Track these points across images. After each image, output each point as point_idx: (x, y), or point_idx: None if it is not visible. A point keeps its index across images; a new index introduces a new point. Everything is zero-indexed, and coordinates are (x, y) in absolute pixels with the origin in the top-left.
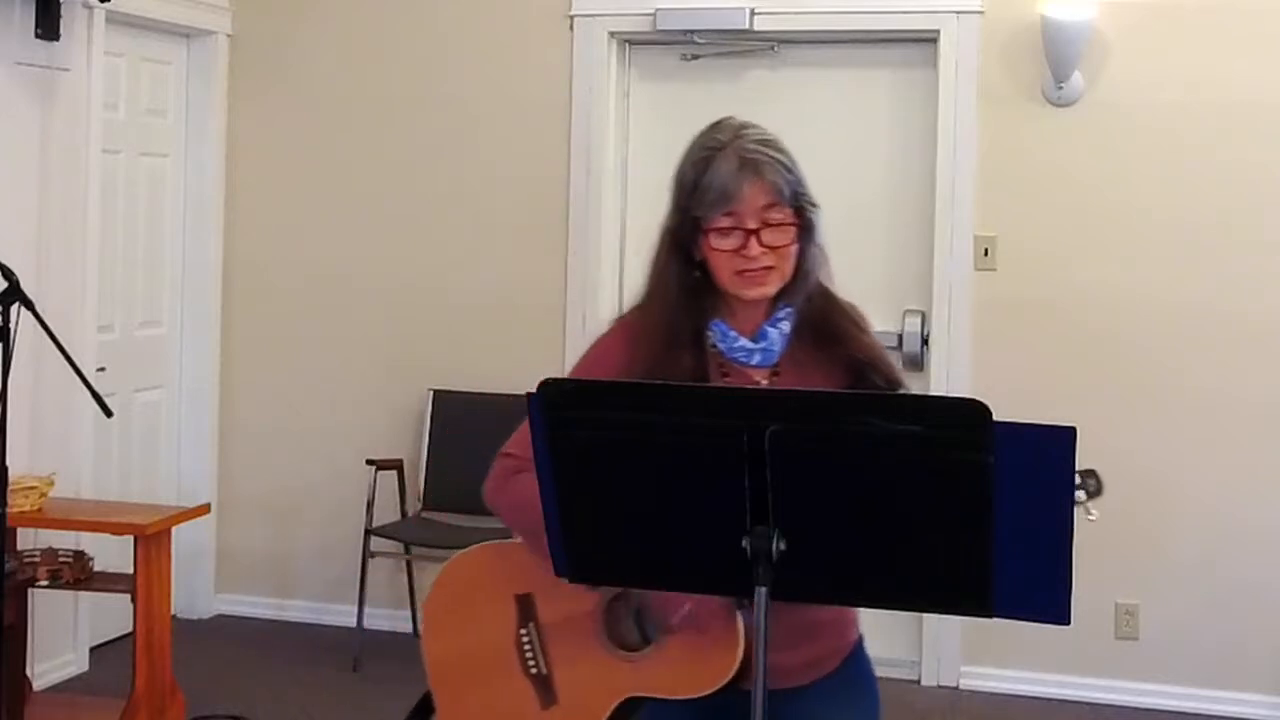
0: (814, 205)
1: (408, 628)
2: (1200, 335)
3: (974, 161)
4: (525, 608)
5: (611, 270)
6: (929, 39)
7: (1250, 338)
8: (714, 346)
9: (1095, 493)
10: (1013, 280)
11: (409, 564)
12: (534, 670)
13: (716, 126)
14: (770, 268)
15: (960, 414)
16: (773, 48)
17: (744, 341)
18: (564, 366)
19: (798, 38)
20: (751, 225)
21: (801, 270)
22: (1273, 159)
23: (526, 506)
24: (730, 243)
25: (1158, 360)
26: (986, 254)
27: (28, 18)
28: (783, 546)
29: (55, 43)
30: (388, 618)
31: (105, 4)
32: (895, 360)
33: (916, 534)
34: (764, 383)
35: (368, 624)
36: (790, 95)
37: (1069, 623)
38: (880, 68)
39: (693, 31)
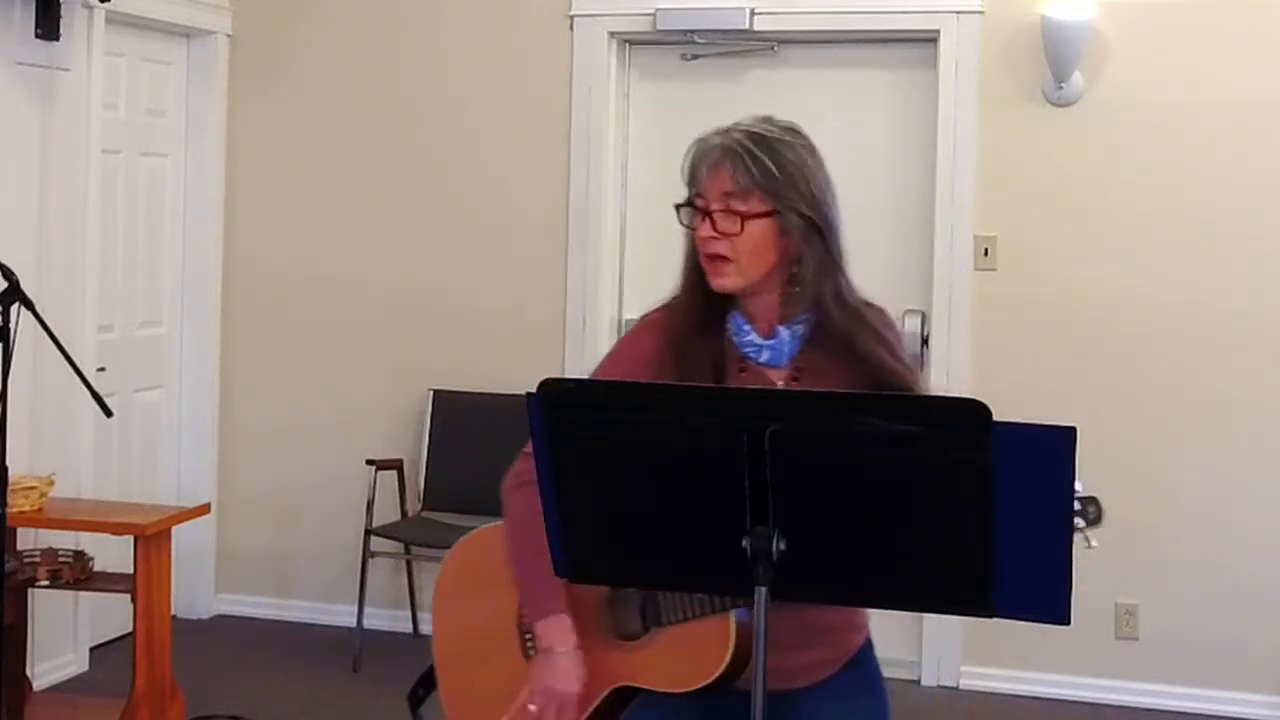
0: (799, 214)
1: (408, 628)
2: (1200, 335)
3: (974, 161)
4: None
5: (611, 270)
6: (929, 39)
7: (1250, 337)
8: (731, 339)
9: (1095, 520)
10: (1013, 280)
11: (409, 564)
12: (532, 653)
13: (745, 118)
14: (724, 258)
15: (960, 414)
16: (773, 48)
17: (754, 337)
18: (564, 366)
19: (798, 38)
20: (712, 207)
21: (799, 280)
22: (1273, 159)
23: (517, 529)
24: (692, 220)
25: (1158, 360)
26: (986, 254)
27: (28, 18)
28: (783, 546)
29: (55, 43)
30: (388, 618)
31: (105, 4)
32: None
33: (916, 534)
34: (781, 383)
35: (368, 624)
36: (790, 95)
37: (1069, 623)
38: (880, 68)
39: (693, 31)
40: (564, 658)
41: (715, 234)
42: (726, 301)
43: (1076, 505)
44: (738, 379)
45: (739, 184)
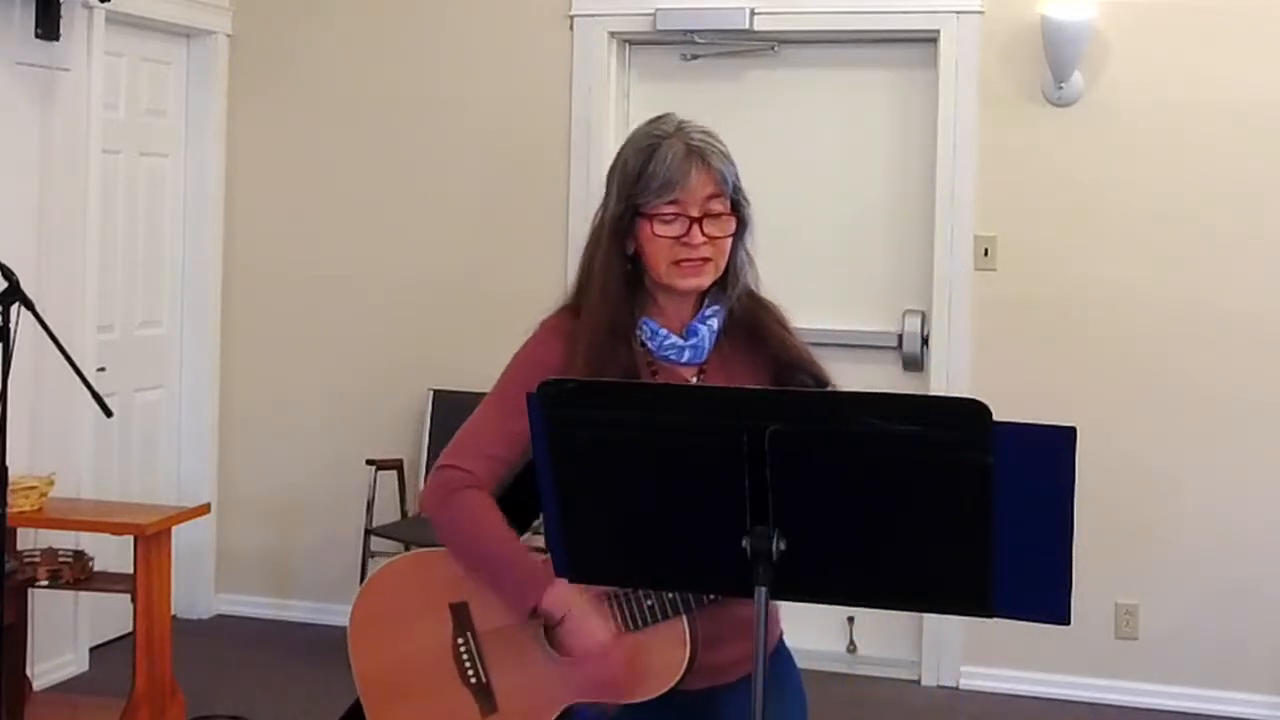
0: (747, 202)
1: None
2: (1200, 335)
3: (974, 161)
4: (461, 616)
5: None
6: (929, 39)
7: (1250, 337)
8: (643, 345)
9: None
10: (1013, 280)
11: None
12: (473, 679)
13: (657, 120)
14: (707, 259)
15: (960, 414)
16: (773, 48)
17: (674, 339)
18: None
19: (798, 38)
20: (694, 213)
21: (732, 269)
22: (1273, 158)
23: (469, 537)
24: (672, 230)
25: (1158, 360)
26: (986, 254)
27: (28, 18)
28: (783, 546)
29: (55, 43)
30: None
31: (105, 4)
32: (894, 359)
33: (916, 534)
34: (693, 380)
35: None
36: (790, 95)
37: (1069, 623)
38: (880, 68)
39: (693, 31)
40: (586, 611)
41: (705, 238)
42: (634, 307)
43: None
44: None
45: (722, 184)
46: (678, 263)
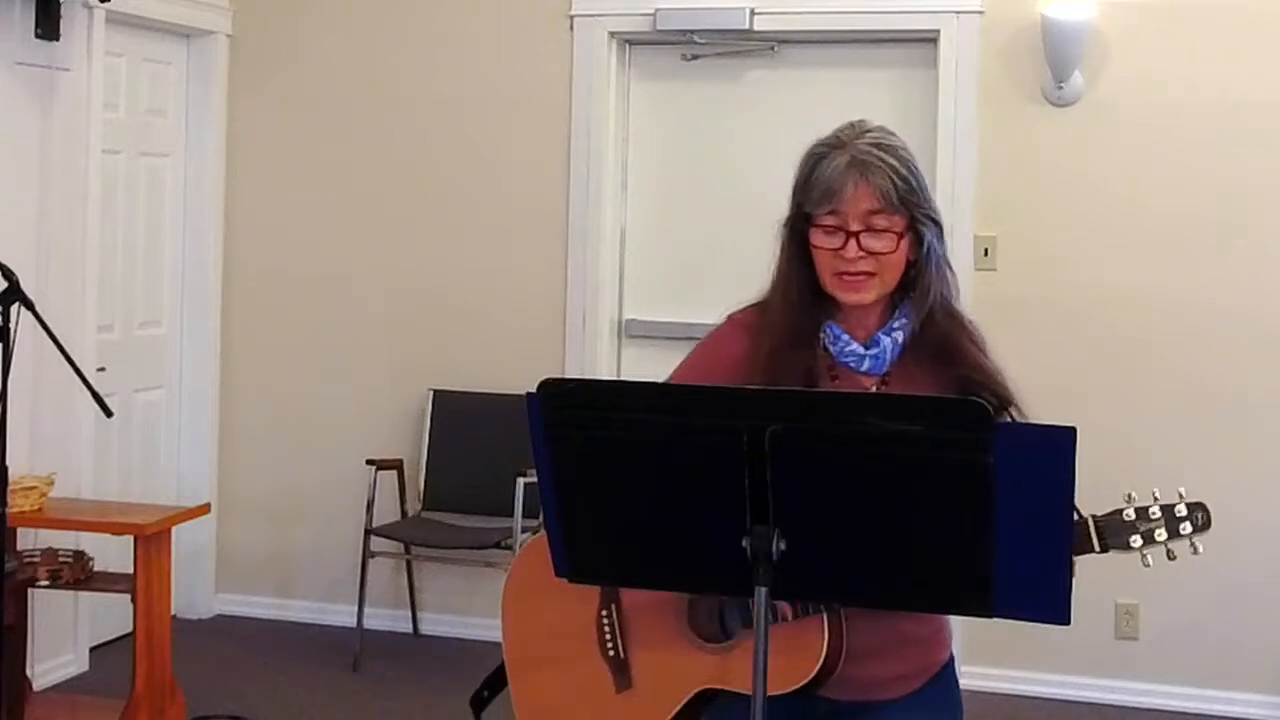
0: (930, 219)
1: (408, 628)
2: (1200, 334)
3: (974, 161)
4: (609, 589)
5: (611, 270)
6: (929, 39)
7: (1250, 336)
8: (825, 349)
9: (1203, 527)
10: (1013, 280)
11: (409, 564)
12: (611, 653)
13: (847, 125)
14: (869, 274)
15: (960, 414)
16: (773, 48)
17: (855, 346)
18: (564, 367)
19: (798, 38)
20: (854, 227)
21: (920, 284)
22: (1273, 158)
23: None
24: (832, 242)
25: (1158, 360)
26: (986, 254)
27: (28, 18)
28: (783, 546)
29: (55, 43)
30: (388, 618)
31: (105, 4)
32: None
33: (917, 534)
34: (873, 388)
35: (368, 624)
36: (790, 95)
37: (1069, 623)
38: (880, 68)
39: (693, 31)
40: None
41: (862, 253)
42: (821, 312)
43: (1184, 511)
44: (830, 386)
45: (883, 200)
46: (838, 275)
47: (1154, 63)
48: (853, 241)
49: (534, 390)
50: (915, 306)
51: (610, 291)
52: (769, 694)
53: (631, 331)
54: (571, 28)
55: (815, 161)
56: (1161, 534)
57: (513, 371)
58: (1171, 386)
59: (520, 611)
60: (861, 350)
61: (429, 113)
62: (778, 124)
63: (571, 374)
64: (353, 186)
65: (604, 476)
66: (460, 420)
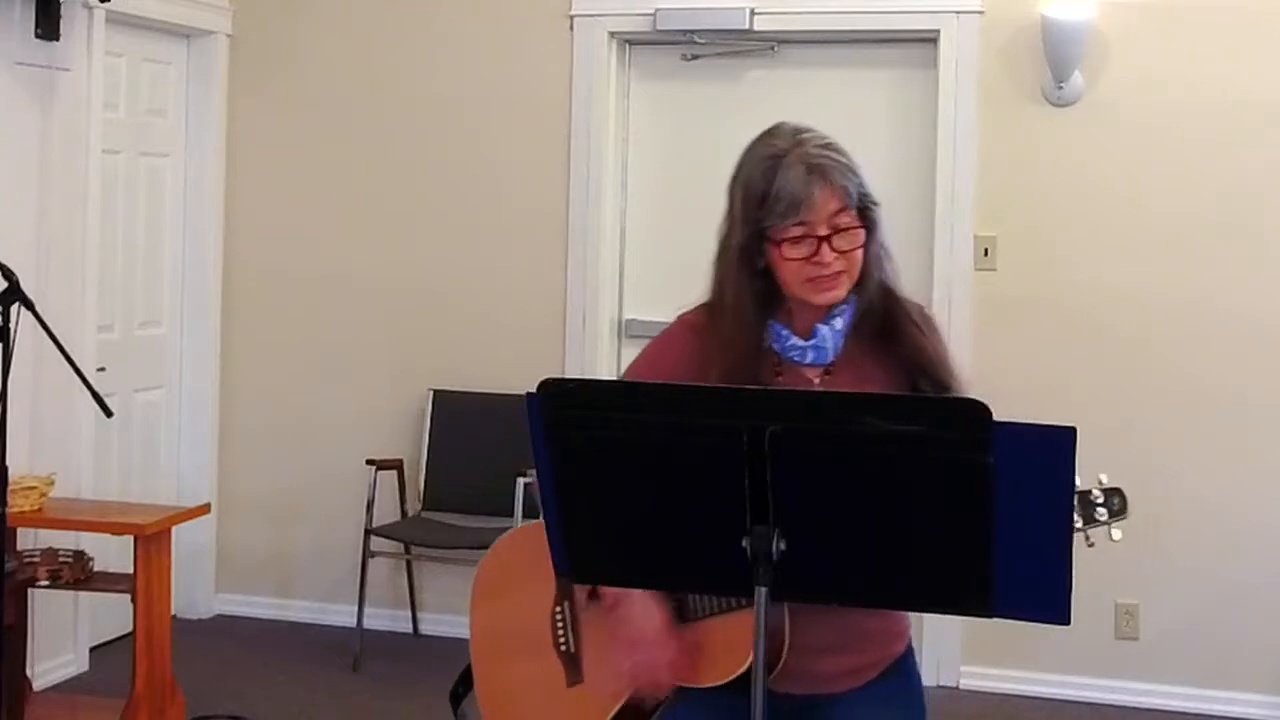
0: (876, 204)
1: (408, 628)
2: (1200, 335)
3: (974, 161)
4: (564, 585)
5: (611, 270)
6: (929, 39)
7: (1250, 337)
8: (770, 346)
9: (1119, 512)
10: (1013, 280)
11: (409, 564)
12: (564, 647)
13: (773, 133)
14: (841, 272)
15: (960, 414)
16: (773, 48)
17: (796, 340)
18: (564, 367)
19: (798, 38)
20: (823, 232)
21: (865, 270)
22: (1273, 158)
23: None
24: (802, 250)
25: (1158, 360)
26: (986, 254)
27: (28, 18)
28: (783, 546)
29: (55, 43)
30: (388, 618)
31: (105, 4)
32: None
33: (917, 534)
34: (817, 382)
35: (368, 624)
36: (790, 95)
37: (1069, 623)
38: (880, 68)
39: (693, 31)
40: (635, 602)
41: (835, 255)
42: (767, 313)
43: (1100, 496)
44: (775, 383)
45: (847, 198)
46: (811, 280)
47: (1154, 63)
48: (825, 246)
49: (534, 390)
50: (856, 293)
51: (610, 291)
52: (706, 684)
53: (631, 331)
54: (571, 28)
55: (769, 175)
56: (1078, 521)
57: (513, 371)
58: (1171, 386)
59: (485, 609)
60: (803, 343)
61: (429, 113)
62: None
63: (571, 374)
64: (353, 186)
65: (604, 476)
66: (460, 420)
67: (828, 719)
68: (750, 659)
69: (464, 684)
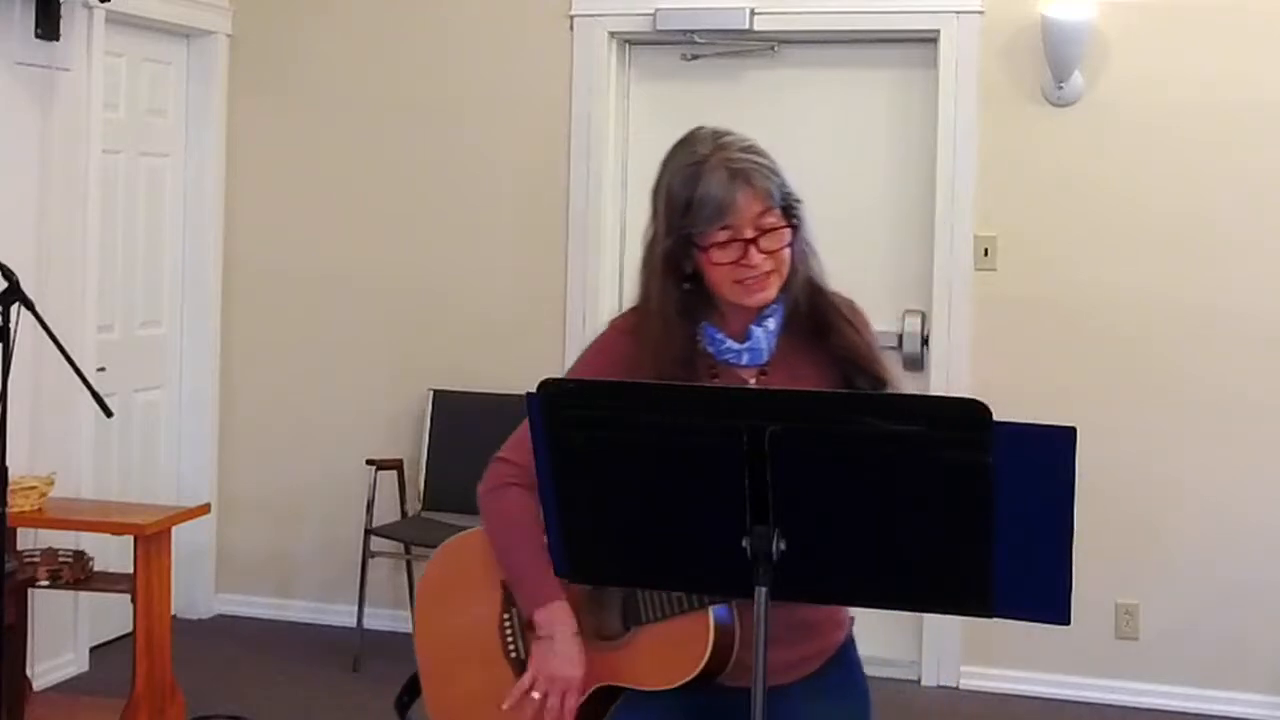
0: (799, 201)
1: (408, 628)
2: (1200, 335)
3: (974, 161)
4: (510, 593)
5: (611, 270)
6: (929, 39)
7: (1251, 337)
8: (704, 349)
9: None
10: (1013, 280)
11: (409, 564)
12: (513, 654)
13: (692, 139)
14: (770, 272)
15: (960, 414)
16: (773, 48)
17: (730, 343)
18: (564, 366)
19: (798, 38)
20: (749, 234)
21: (792, 267)
22: (1273, 159)
23: (498, 537)
24: (729, 254)
25: (1158, 360)
26: (986, 254)
27: (28, 18)
28: (783, 546)
29: (55, 43)
30: (388, 618)
31: (105, 4)
32: (894, 359)
33: (917, 534)
34: (753, 382)
35: (368, 624)
36: (790, 95)
37: (1069, 623)
38: (880, 68)
39: (693, 31)
40: (565, 642)
41: (763, 256)
42: (698, 316)
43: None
44: (712, 384)
45: (770, 199)
46: (740, 282)
47: (1154, 63)
48: (752, 249)
49: (534, 390)
50: (784, 292)
51: (610, 291)
52: (656, 688)
53: None
54: (571, 28)
55: (692, 182)
56: None
57: (513, 371)
58: (1172, 385)
59: (431, 616)
60: (738, 345)
61: (429, 113)
62: (778, 124)
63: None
64: (353, 186)
65: (604, 476)
66: (460, 420)
67: (776, 713)
68: (701, 663)
69: (409, 692)
